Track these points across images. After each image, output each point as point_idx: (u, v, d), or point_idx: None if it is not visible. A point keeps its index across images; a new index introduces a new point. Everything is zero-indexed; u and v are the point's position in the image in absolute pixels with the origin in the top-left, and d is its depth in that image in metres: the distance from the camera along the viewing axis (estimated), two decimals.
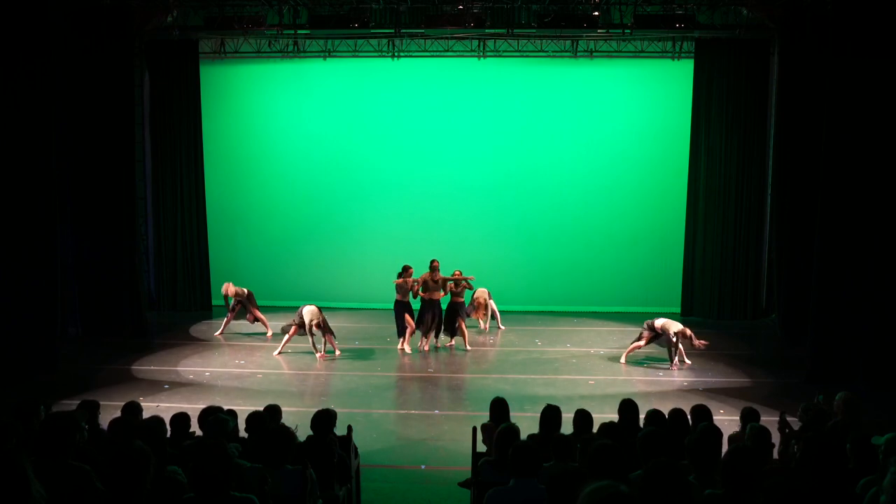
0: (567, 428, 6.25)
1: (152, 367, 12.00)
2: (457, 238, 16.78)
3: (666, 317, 12.54)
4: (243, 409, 6.96)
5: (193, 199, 16.84)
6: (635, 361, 12.50)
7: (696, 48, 16.20)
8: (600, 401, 9.88)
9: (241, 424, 6.45)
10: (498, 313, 15.09)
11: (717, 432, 5.37)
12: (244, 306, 14.08)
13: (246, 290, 14.13)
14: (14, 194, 11.35)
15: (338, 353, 12.85)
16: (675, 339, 11.96)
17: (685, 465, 4.40)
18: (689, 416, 6.42)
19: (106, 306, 13.96)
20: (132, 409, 6.61)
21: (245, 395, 10.53)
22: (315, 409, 6.37)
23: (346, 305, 16.57)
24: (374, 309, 16.62)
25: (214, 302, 16.90)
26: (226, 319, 14.26)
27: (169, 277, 16.93)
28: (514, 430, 5.22)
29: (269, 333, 14.06)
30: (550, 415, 6.01)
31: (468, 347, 13.36)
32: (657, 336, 12.17)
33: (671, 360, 12.07)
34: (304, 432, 6.15)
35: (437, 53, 16.75)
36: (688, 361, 12.26)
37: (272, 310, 14.69)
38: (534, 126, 17.28)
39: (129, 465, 3.88)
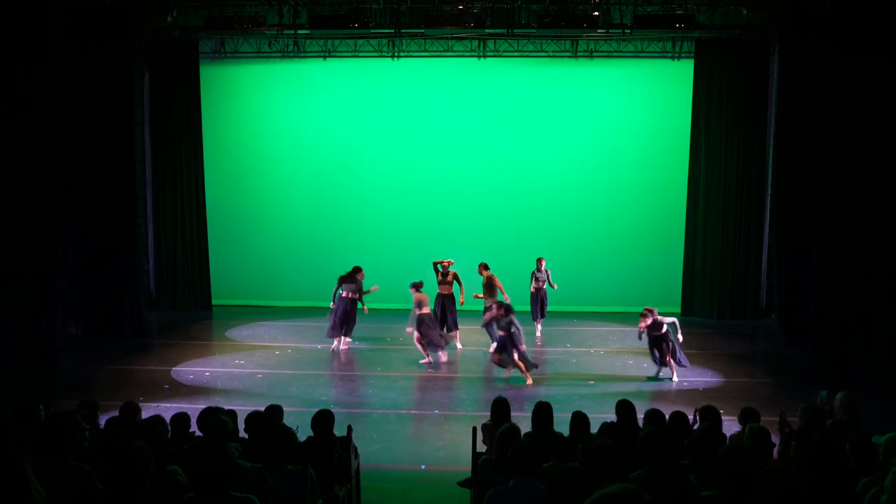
0: (564, 429, 6.24)
1: (152, 367, 12.00)
2: (456, 238, 16.77)
3: (666, 316, 12.25)
4: (243, 409, 6.96)
5: (193, 199, 16.84)
6: (636, 363, 12.50)
7: (696, 48, 16.22)
8: (600, 401, 9.88)
9: (241, 425, 6.45)
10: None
11: (718, 432, 5.36)
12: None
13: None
14: (14, 194, 11.36)
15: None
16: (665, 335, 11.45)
17: (685, 465, 4.40)
18: (692, 417, 6.43)
19: (106, 306, 13.98)
20: (130, 409, 6.60)
21: (245, 395, 10.53)
22: (315, 410, 6.37)
23: None
24: (373, 309, 16.57)
25: (214, 302, 16.92)
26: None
27: (169, 277, 16.92)
28: (515, 430, 5.22)
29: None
30: (541, 412, 6.00)
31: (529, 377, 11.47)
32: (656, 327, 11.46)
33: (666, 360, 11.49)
34: (304, 433, 6.14)
35: (437, 53, 16.74)
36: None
37: (272, 310, 14.70)
38: (534, 126, 17.28)
39: (129, 465, 3.88)
